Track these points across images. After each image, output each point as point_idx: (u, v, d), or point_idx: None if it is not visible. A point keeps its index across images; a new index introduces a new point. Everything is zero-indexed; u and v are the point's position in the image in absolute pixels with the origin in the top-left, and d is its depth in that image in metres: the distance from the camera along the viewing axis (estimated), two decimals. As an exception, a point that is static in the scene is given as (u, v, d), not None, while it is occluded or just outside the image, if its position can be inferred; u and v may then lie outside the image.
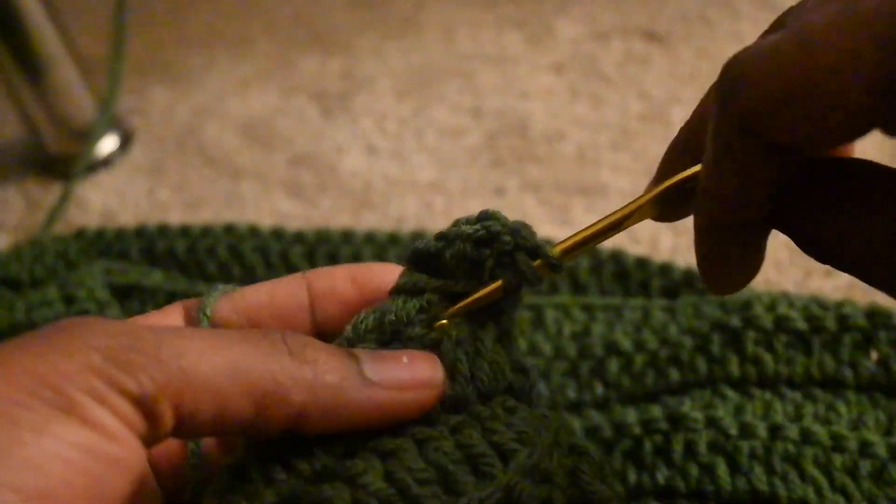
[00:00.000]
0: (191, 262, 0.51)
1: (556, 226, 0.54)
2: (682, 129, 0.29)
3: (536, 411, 0.26)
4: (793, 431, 0.37)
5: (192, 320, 0.29)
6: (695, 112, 0.29)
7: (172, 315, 0.29)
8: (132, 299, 0.48)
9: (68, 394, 0.21)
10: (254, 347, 0.24)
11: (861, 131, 0.21)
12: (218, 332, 0.24)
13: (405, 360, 0.26)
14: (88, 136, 0.61)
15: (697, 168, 0.27)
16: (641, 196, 0.28)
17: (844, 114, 0.21)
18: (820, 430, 0.37)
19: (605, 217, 0.27)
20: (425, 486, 0.23)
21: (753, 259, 0.27)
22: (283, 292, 0.30)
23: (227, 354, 0.23)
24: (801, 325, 0.40)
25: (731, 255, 0.27)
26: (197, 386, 0.23)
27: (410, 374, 0.26)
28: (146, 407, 0.22)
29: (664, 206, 0.28)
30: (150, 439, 0.22)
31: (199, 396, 0.23)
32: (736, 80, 0.23)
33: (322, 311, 0.30)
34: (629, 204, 0.27)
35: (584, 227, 0.27)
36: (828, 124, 0.21)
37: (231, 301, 0.30)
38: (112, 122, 0.65)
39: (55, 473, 0.21)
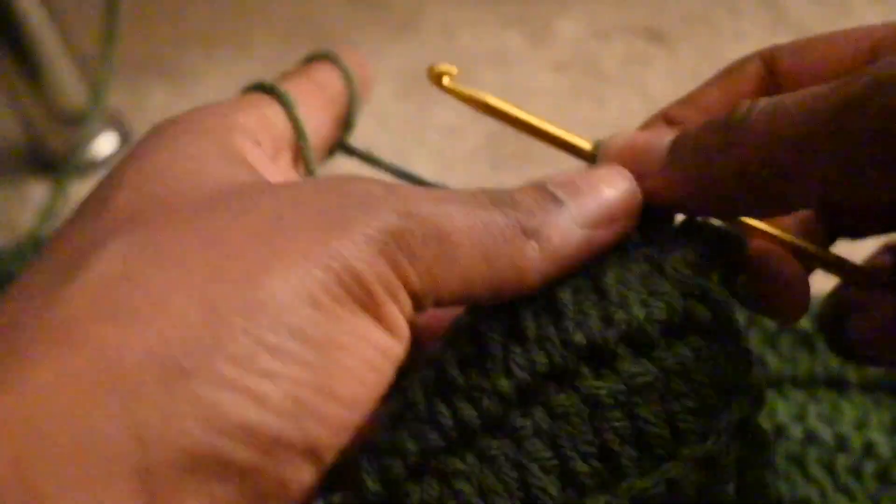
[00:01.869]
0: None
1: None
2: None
3: (730, 365, 0.23)
4: (797, 431, 0.37)
5: None
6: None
7: None
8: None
9: (370, 287, 0.21)
10: (496, 229, 0.23)
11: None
12: (466, 201, 0.23)
13: (604, 187, 0.25)
14: (81, 125, 0.61)
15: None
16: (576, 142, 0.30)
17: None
18: (824, 430, 0.37)
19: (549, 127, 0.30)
20: (584, 461, 0.21)
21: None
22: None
23: (478, 238, 0.22)
24: (805, 324, 0.40)
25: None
26: (454, 276, 0.22)
27: (614, 199, 0.25)
28: (419, 302, 0.22)
29: None
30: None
31: (454, 287, 0.22)
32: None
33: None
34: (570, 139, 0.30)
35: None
36: None
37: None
38: (106, 113, 0.64)
39: (370, 381, 0.21)
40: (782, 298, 0.27)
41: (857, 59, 0.27)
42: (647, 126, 0.30)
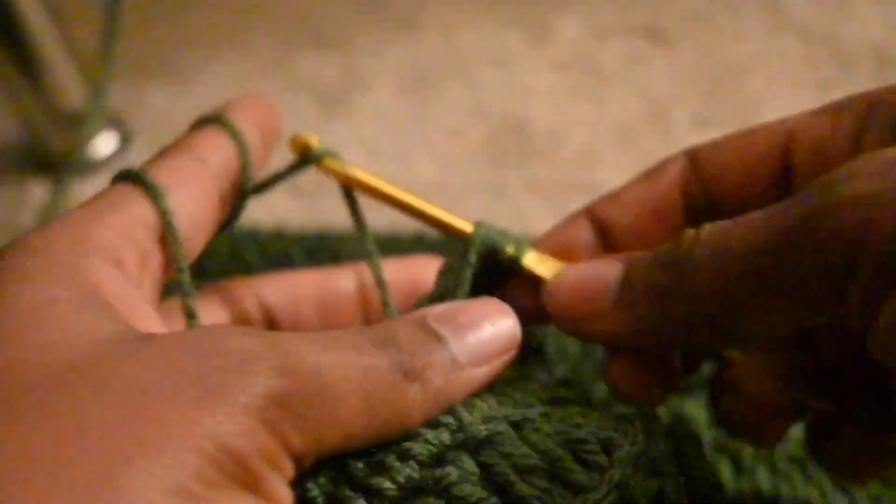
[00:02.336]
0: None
1: (557, 225, 0.54)
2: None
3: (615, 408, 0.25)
4: (796, 431, 0.37)
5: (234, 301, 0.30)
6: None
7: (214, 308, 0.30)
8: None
9: (249, 463, 0.19)
10: (378, 375, 0.22)
11: None
12: (349, 346, 0.22)
13: (485, 324, 0.25)
14: (81, 125, 0.61)
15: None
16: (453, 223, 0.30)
17: None
18: (824, 431, 0.37)
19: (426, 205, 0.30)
20: (532, 474, 0.21)
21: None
22: (333, 282, 0.30)
23: (360, 387, 0.21)
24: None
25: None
26: (337, 430, 0.21)
27: (494, 336, 0.25)
28: (301, 463, 0.21)
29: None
30: None
31: (336, 441, 0.21)
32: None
33: (374, 302, 0.30)
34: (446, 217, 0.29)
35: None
36: None
37: (278, 284, 0.30)
38: (106, 113, 0.64)
39: None
40: (764, 426, 0.29)
41: (772, 151, 0.28)
42: (571, 223, 0.30)
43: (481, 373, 0.24)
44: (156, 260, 0.26)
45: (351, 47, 0.71)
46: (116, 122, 0.65)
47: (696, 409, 0.38)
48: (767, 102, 0.60)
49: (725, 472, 0.36)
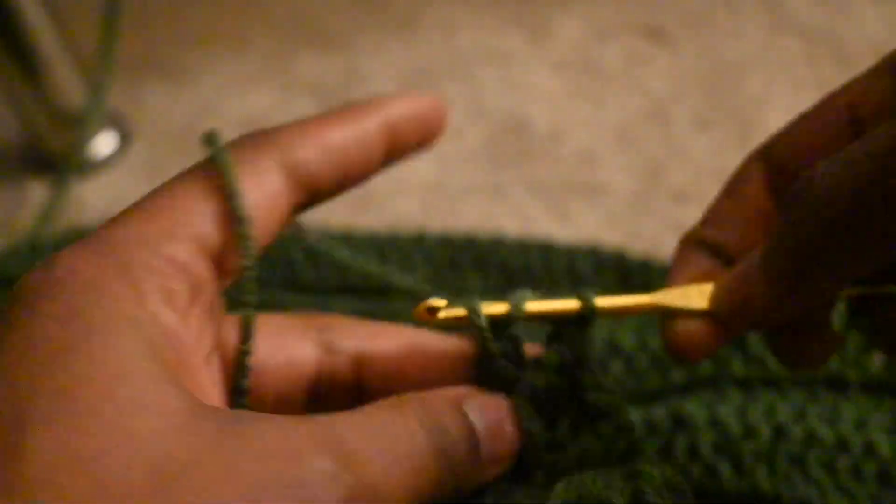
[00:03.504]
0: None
1: (556, 225, 0.54)
2: (701, 225, 0.31)
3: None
4: (797, 432, 0.37)
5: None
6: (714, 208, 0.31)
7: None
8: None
9: None
10: (429, 477, 0.22)
11: None
12: (402, 440, 0.22)
13: (506, 424, 0.25)
14: (81, 125, 0.61)
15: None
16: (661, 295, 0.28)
17: None
18: (824, 431, 0.37)
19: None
20: None
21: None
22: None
23: (406, 488, 0.22)
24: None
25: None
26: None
27: (511, 440, 0.25)
28: None
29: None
30: None
31: None
32: None
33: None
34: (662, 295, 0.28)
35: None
36: None
37: (381, 336, 0.29)
38: (105, 113, 0.64)
39: None
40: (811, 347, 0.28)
41: (842, 128, 0.28)
42: (685, 259, 0.30)
43: (491, 474, 0.25)
44: (208, 290, 0.24)
45: (351, 47, 0.71)
46: (116, 122, 0.65)
47: (696, 409, 0.38)
48: (767, 102, 0.60)
49: (725, 472, 0.36)
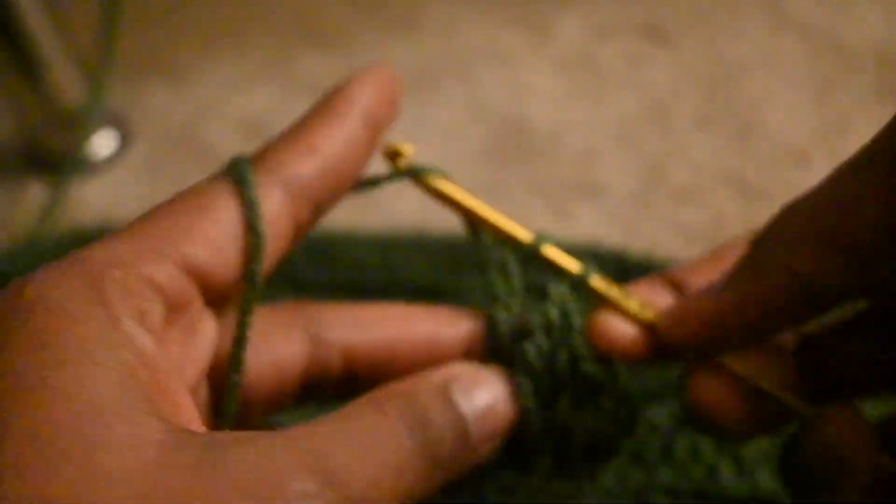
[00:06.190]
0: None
1: (556, 225, 0.54)
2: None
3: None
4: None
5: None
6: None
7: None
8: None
9: None
10: (414, 475, 0.22)
11: None
12: (386, 444, 0.22)
13: (498, 402, 0.25)
14: (81, 125, 0.61)
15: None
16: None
17: None
18: (825, 431, 0.37)
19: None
20: None
21: None
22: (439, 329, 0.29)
23: (393, 489, 0.21)
24: (806, 324, 0.40)
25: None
26: None
27: (503, 414, 0.25)
28: None
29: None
30: None
31: None
32: None
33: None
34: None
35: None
36: None
37: (371, 321, 0.29)
38: (105, 113, 0.64)
39: None
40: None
41: None
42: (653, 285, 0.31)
43: (484, 452, 0.24)
44: (191, 310, 0.24)
45: (351, 47, 0.71)
46: (116, 122, 0.65)
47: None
48: (767, 102, 0.60)
49: (725, 471, 0.36)
